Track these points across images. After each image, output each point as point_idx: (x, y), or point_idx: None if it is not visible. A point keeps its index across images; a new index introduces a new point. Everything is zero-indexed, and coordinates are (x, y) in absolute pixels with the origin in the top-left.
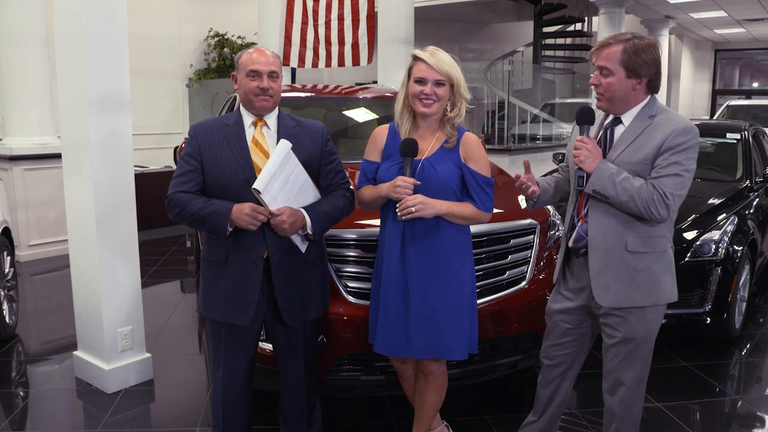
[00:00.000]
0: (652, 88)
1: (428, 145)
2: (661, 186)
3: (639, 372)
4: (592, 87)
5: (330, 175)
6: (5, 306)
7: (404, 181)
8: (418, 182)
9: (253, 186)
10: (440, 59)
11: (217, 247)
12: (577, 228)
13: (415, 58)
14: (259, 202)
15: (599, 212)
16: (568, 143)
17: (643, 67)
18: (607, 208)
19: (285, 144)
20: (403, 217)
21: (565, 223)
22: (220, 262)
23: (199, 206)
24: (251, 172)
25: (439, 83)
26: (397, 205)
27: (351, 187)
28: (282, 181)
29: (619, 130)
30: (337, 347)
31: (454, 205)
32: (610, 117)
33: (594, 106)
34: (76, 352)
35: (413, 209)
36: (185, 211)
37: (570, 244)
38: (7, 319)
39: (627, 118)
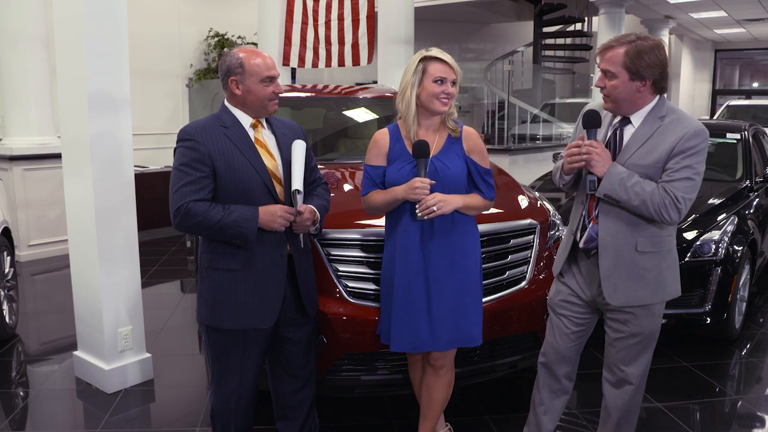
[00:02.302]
0: (659, 89)
1: (433, 143)
2: (672, 190)
3: (644, 366)
4: (598, 88)
5: (314, 172)
6: (5, 306)
7: (422, 182)
8: (434, 182)
9: (295, 187)
10: (452, 59)
11: (229, 254)
12: (588, 229)
13: (432, 59)
14: (279, 202)
15: (610, 215)
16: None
17: (646, 70)
18: (618, 210)
19: (303, 144)
20: (425, 217)
21: (572, 221)
22: (235, 269)
23: (222, 214)
24: (266, 174)
25: (453, 82)
26: (417, 205)
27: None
28: None
29: (628, 131)
30: (337, 347)
31: (467, 198)
32: (619, 117)
33: (598, 108)
34: (76, 352)
35: (434, 208)
36: (207, 220)
37: (581, 244)
38: (7, 319)
39: (636, 119)
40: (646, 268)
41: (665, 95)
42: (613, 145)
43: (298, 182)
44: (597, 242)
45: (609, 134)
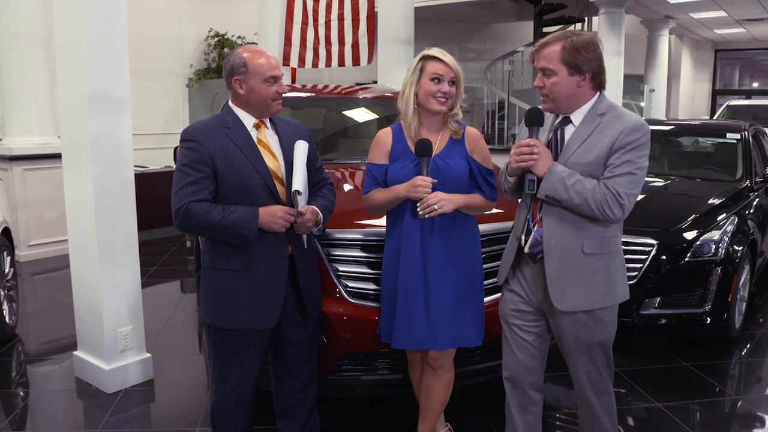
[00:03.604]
0: (597, 84)
1: (435, 143)
2: (614, 186)
3: (606, 375)
4: (538, 89)
5: (319, 172)
6: (5, 306)
7: (424, 181)
8: (436, 180)
9: (294, 188)
10: (452, 59)
11: (230, 254)
12: (533, 233)
13: (430, 58)
14: (280, 202)
15: (553, 216)
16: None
17: (584, 63)
18: (561, 211)
19: (305, 144)
20: (426, 215)
21: (516, 226)
22: (236, 269)
23: (222, 214)
24: (267, 174)
25: (452, 81)
26: (419, 204)
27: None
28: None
29: (569, 130)
30: (337, 347)
31: (468, 197)
32: (560, 117)
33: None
34: (76, 352)
35: (436, 206)
36: (207, 220)
37: (526, 249)
38: (7, 319)
39: (576, 117)
40: (594, 270)
41: (604, 92)
42: (555, 146)
43: (298, 183)
44: (542, 246)
45: (550, 135)
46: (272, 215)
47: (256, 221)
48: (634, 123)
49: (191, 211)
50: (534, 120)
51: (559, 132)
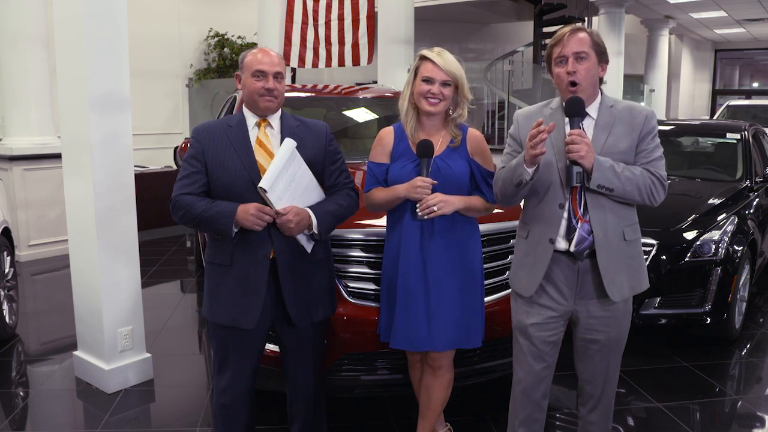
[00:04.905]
0: (600, 79)
1: (436, 143)
2: (656, 170)
3: (619, 363)
4: (567, 76)
5: (334, 174)
6: (5, 306)
7: (424, 182)
8: (436, 182)
9: (259, 185)
10: (447, 60)
11: (222, 249)
12: (578, 230)
13: (423, 58)
14: (265, 202)
15: (598, 209)
16: (525, 142)
17: (604, 54)
18: (603, 203)
19: (289, 143)
20: (425, 216)
21: (545, 232)
22: (224, 264)
23: (204, 207)
24: (256, 173)
25: (445, 83)
26: (418, 205)
27: (355, 186)
28: (287, 180)
29: (588, 124)
30: (337, 347)
31: (469, 199)
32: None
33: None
34: (76, 352)
35: (435, 208)
36: (190, 212)
37: (572, 248)
38: (7, 319)
39: (593, 110)
40: (632, 256)
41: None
42: None
43: (265, 180)
44: (589, 241)
45: (570, 131)
46: (245, 212)
47: (233, 216)
48: (648, 110)
49: (178, 202)
50: (575, 110)
51: (580, 126)
